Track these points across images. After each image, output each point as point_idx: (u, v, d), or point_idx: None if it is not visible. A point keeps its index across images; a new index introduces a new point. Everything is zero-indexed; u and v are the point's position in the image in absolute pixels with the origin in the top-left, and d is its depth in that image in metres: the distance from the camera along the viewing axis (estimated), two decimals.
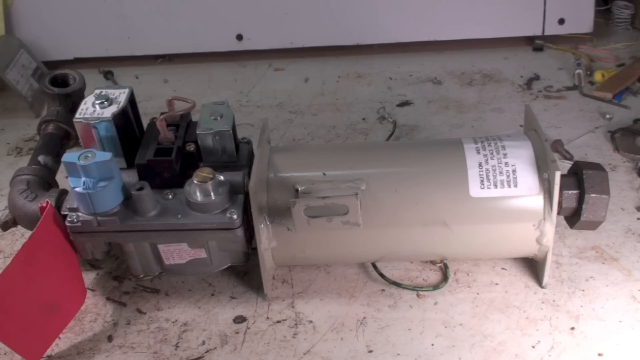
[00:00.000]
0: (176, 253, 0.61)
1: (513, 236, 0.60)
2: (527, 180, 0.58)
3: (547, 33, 1.02)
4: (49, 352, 0.60)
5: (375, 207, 0.59)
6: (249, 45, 1.04)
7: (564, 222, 0.62)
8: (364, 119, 0.90)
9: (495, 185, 0.58)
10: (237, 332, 0.61)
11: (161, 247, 0.61)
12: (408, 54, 1.04)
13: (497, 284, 0.63)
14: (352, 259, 0.65)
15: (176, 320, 0.62)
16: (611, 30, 1.07)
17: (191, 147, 0.62)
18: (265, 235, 0.59)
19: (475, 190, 0.58)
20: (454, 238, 0.59)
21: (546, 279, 0.62)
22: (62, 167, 0.62)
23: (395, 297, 0.63)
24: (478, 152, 0.60)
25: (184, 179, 0.59)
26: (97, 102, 0.62)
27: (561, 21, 1.01)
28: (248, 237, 0.60)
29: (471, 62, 1.01)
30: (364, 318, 0.61)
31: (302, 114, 0.92)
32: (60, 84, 0.70)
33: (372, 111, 0.91)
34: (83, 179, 0.56)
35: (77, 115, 0.61)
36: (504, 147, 0.60)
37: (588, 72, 0.95)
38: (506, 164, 0.58)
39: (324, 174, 0.60)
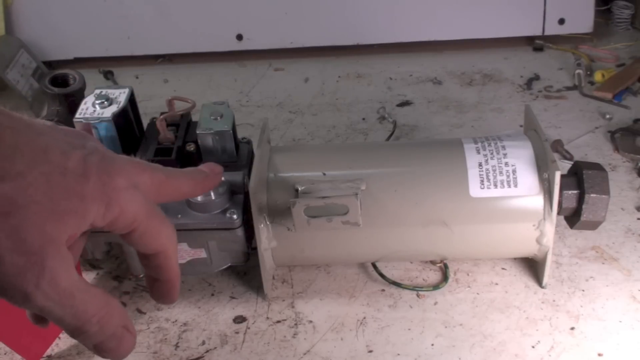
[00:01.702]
0: None
1: (513, 236, 0.60)
2: (527, 180, 0.58)
3: (547, 33, 1.02)
4: (49, 352, 0.60)
5: (375, 207, 0.59)
6: (249, 45, 1.04)
7: (564, 222, 0.62)
8: (364, 119, 0.90)
9: (495, 185, 0.58)
10: (237, 332, 0.61)
11: None
12: (408, 54, 1.04)
13: (497, 284, 0.63)
14: (352, 259, 0.65)
15: (176, 320, 0.62)
16: (611, 30, 1.07)
17: (191, 147, 0.62)
18: (265, 235, 0.59)
19: (475, 190, 0.58)
20: (454, 238, 0.59)
21: (546, 279, 0.62)
22: None
23: (395, 297, 0.63)
24: (478, 152, 0.59)
25: None
26: (97, 102, 0.62)
27: (561, 21, 1.01)
28: (248, 237, 0.60)
29: (471, 62, 1.01)
30: (364, 318, 0.61)
31: (302, 114, 0.92)
32: (60, 84, 0.70)
33: (372, 111, 0.91)
34: None
35: (77, 115, 0.61)
36: (504, 147, 0.60)
37: (588, 72, 0.95)
38: (506, 164, 0.58)
39: (324, 174, 0.60)
